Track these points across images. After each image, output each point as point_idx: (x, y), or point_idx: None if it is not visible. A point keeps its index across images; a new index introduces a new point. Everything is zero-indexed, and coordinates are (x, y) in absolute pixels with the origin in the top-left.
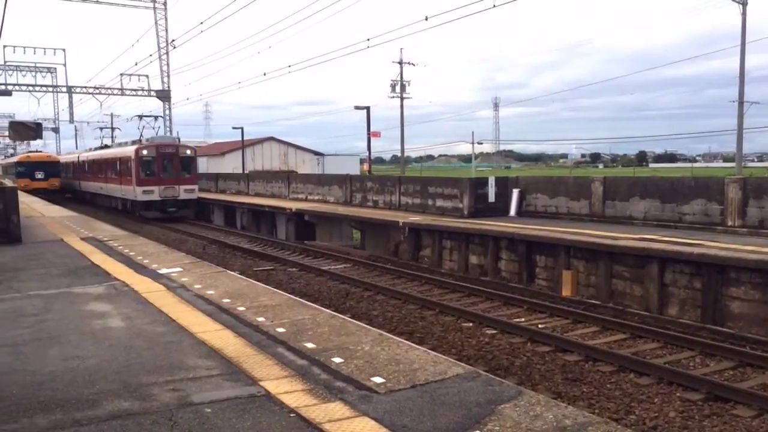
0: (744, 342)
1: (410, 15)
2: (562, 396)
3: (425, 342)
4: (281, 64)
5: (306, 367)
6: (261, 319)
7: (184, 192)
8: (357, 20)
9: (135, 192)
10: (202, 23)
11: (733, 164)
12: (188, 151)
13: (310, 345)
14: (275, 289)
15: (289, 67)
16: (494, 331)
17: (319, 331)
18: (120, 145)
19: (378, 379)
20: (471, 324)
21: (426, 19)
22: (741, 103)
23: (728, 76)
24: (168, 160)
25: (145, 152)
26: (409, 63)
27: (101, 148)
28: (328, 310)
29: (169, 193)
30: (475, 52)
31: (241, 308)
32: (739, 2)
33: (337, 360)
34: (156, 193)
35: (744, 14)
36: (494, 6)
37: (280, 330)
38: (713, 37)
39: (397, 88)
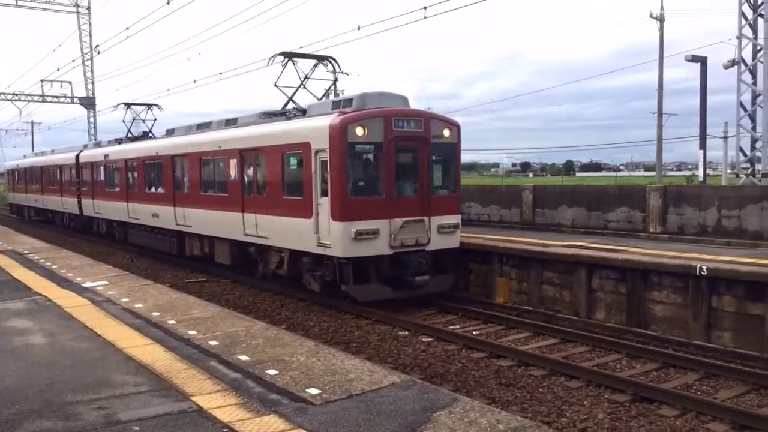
0: (667, 344)
1: (343, 24)
2: (496, 401)
3: (362, 352)
4: (212, 71)
5: (240, 380)
6: (193, 332)
7: (441, 232)
8: (289, 28)
9: (325, 232)
10: (128, 29)
11: (653, 173)
12: (446, 132)
13: (244, 357)
14: (208, 302)
15: (220, 74)
16: (430, 339)
17: (253, 343)
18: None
19: (314, 391)
20: (407, 332)
21: (358, 28)
22: (660, 114)
23: (649, 88)
24: (408, 156)
25: (358, 132)
26: (342, 72)
27: (120, 141)
28: (262, 322)
29: (411, 235)
30: (409, 62)
31: (172, 321)
32: (656, 19)
33: (272, 372)
34: (382, 239)
35: (661, 30)
36: (425, 17)
37: (213, 343)
38: (637, 50)
39: (331, 97)
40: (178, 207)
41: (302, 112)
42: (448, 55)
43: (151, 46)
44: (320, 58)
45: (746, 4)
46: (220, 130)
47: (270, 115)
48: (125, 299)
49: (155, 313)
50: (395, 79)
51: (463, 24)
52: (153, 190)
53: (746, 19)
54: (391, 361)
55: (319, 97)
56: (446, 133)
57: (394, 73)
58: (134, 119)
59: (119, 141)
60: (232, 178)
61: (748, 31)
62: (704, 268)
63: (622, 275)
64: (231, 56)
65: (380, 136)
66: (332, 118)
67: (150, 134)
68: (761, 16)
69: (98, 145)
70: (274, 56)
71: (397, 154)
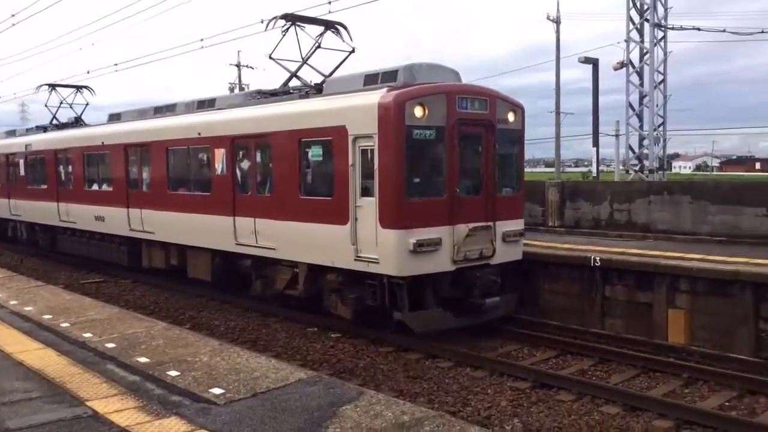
0: (565, 332)
1: (247, 18)
2: (404, 393)
3: (269, 349)
4: (107, 62)
5: (139, 382)
6: (88, 334)
7: (506, 242)
8: (189, 19)
9: (369, 242)
10: (14, 15)
11: (553, 169)
12: (510, 116)
13: (143, 359)
14: (105, 303)
15: (115, 66)
16: (338, 335)
17: (153, 344)
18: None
19: (217, 390)
20: (316, 329)
21: (262, 22)
22: (557, 113)
23: (548, 87)
24: (470, 145)
25: (417, 112)
26: (248, 66)
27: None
28: (164, 322)
29: (476, 246)
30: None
31: (65, 324)
32: (553, 21)
33: (173, 373)
34: (444, 251)
35: (558, 32)
36: (329, 12)
37: (110, 345)
38: (537, 50)
39: (236, 91)
40: (133, 209)
41: (317, 90)
42: (357, 53)
43: (41, 35)
44: (329, 25)
45: (633, 9)
46: (193, 113)
47: (269, 95)
48: (13, 302)
49: (47, 316)
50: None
51: (370, 22)
52: (96, 187)
53: (633, 23)
54: (299, 359)
55: (327, 73)
56: (511, 117)
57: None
58: (61, 103)
59: (44, 129)
60: (219, 172)
61: (635, 35)
62: (597, 259)
63: (524, 266)
64: (128, 47)
65: (442, 119)
66: (382, 94)
67: (81, 121)
68: (647, 20)
69: (12, 134)
70: (275, 19)
71: (459, 143)
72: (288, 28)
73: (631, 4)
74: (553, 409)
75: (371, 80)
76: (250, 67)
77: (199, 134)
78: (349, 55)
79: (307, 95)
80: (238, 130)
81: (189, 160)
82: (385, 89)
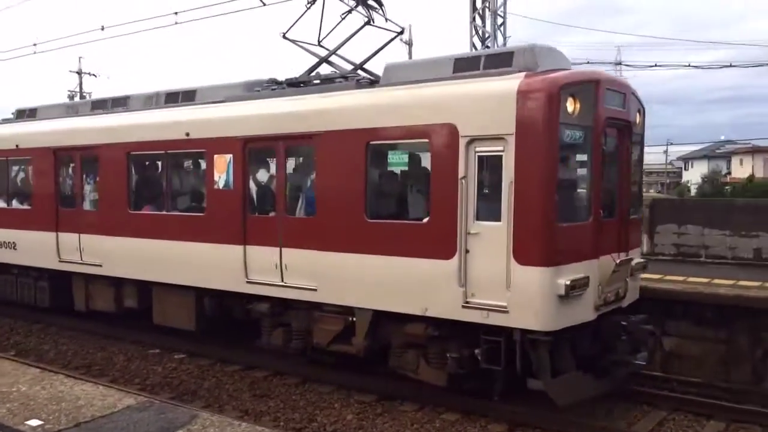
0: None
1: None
2: (249, 413)
3: (105, 374)
4: None
5: None
6: None
7: (632, 277)
8: (22, 22)
9: (493, 284)
10: None
11: None
12: (638, 117)
13: None
14: None
15: None
16: (182, 356)
17: None
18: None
19: (35, 422)
20: (158, 350)
21: (102, 29)
22: None
23: None
24: (609, 152)
25: (569, 107)
26: (89, 74)
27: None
28: None
29: (615, 285)
30: (160, 68)
31: None
32: (406, 43)
33: None
34: (589, 294)
35: (410, 54)
36: (176, 23)
37: None
38: None
39: (76, 99)
40: (65, 233)
41: (369, 82)
42: (197, 62)
43: None
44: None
45: (476, 36)
46: (167, 107)
47: (295, 84)
48: None
49: None
50: (143, 84)
51: (212, 33)
52: (5, 204)
53: (474, 47)
54: (138, 383)
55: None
56: (638, 118)
57: (144, 78)
58: None
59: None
60: (220, 186)
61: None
62: None
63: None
64: None
65: (590, 117)
66: (521, 80)
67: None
68: (487, 47)
69: None
70: None
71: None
72: (314, 1)
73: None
74: (398, 420)
75: (471, 64)
76: (93, 74)
77: (188, 135)
78: (396, 36)
79: (361, 85)
80: (253, 130)
81: (168, 169)
82: (522, 74)
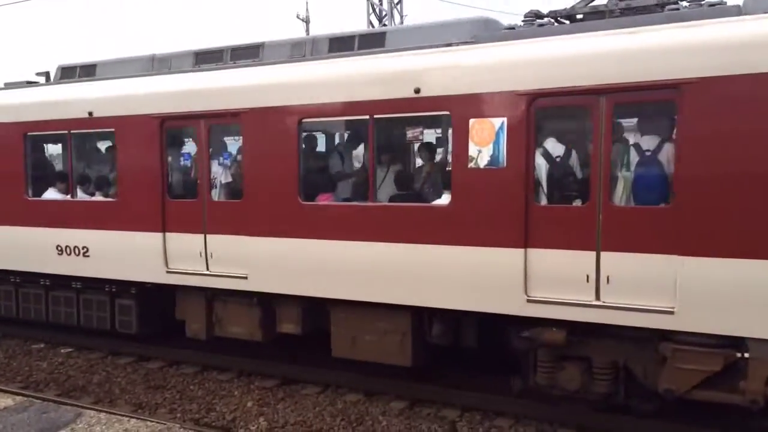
0: None
1: None
2: (144, 406)
3: None
4: None
5: None
6: None
7: None
8: None
9: None
10: None
11: None
12: None
13: None
14: None
15: None
16: (70, 350)
17: None
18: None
19: None
20: (43, 345)
21: None
22: None
23: None
24: None
25: None
26: None
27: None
28: None
29: None
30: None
31: None
32: (303, 20)
33: None
34: None
35: (307, 32)
36: None
37: None
38: None
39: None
40: (177, 233)
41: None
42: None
43: None
44: None
45: (373, 14)
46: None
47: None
48: None
49: None
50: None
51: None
52: (65, 194)
53: (372, 25)
54: (20, 380)
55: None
56: None
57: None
58: None
59: None
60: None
61: None
62: None
63: None
64: None
65: None
66: None
67: None
68: (384, 26)
69: None
70: None
71: None
72: None
73: None
74: (300, 403)
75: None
76: None
77: (352, 99)
78: None
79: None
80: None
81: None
82: None
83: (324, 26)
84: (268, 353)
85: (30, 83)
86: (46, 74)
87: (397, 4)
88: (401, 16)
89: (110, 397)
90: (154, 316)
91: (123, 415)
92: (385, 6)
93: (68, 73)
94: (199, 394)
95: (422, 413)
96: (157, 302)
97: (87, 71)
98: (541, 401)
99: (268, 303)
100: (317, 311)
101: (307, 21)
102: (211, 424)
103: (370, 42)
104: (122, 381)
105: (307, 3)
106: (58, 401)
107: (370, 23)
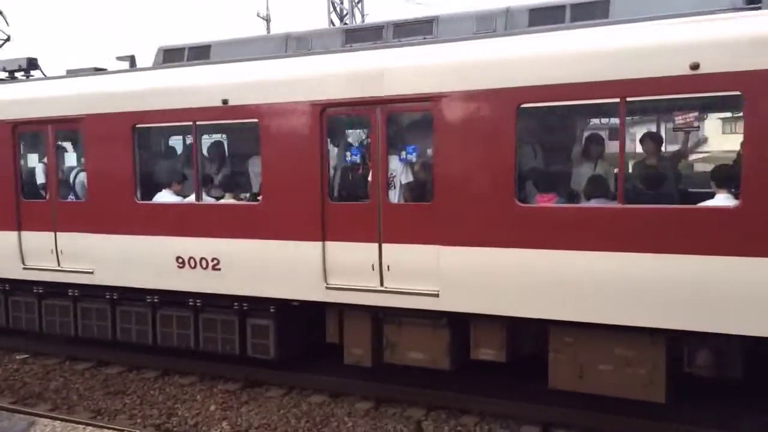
0: None
1: None
2: (102, 412)
3: None
4: None
5: None
6: None
7: None
8: None
9: None
10: None
11: None
12: None
13: None
14: None
15: None
16: (25, 356)
17: None
18: None
19: None
20: None
21: None
22: None
23: None
24: None
25: None
26: None
27: None
28: None
29: None
30: None
31: None
32: (264, 19)
33: None
34: None
35: (268, 30)
36: None
37: None
38: None
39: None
40: (351, 242)
41: None
42: None
43: None
44: None
45: (334, 13)
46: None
47: None
48: None
49: None
50: None
51: None
52: (181, 197)
53: (332, 23)
54: None
55: None
56: None
57: None
58: None
59: None
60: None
61: None
62: None
63: None
64: None
65: None
66: None
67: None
68: (345, 24)
69: None
70: None
71: None
72: None
73: None
74: (264, 406)
75: None
76: None
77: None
78: None
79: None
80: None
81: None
82: None
83: (284, 25)
84: (230, 356)
85: (98, 70)
86: (131, 58)
87: (358, 2)
88: (362, 15)
89: (68, 404)
90: (296, 338)
91: (80, 423)
92: (346, 5)
93: (173, 56)
94: (160, 399)
95: (388, 413)
96: (299, 322)
97: (198, 53)
98: (506, 398)
99: (457, 324)
100: (526, 334)
101: (267, 20)
102: (172, 429)
103: (588, 12)
104: (80, 387)
105: (267, 1)
106: (11, 409)
107: (331, 22)
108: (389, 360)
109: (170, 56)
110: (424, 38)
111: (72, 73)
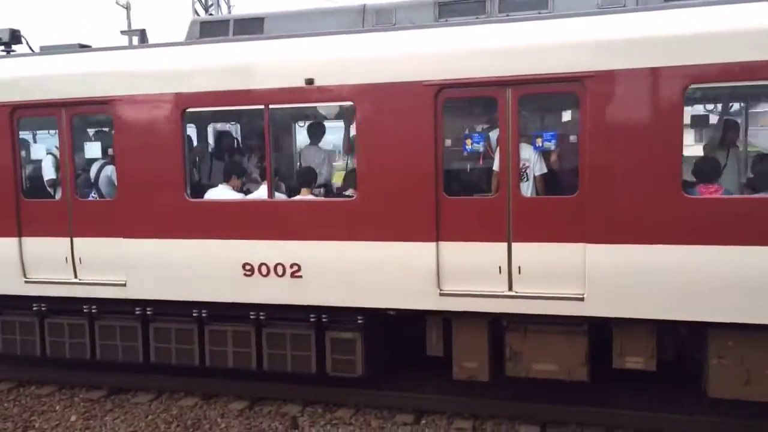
0: None
1: None
2: None
3: None
4: None
5: None
6: None
7: None
8: None
9: None
10: None
11: None
12: None
13: None
14: None
15: None
16: None
17: None
18: None
19: None
20: None
21: None
22: None
23: None
24: None
25: None
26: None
27: None
28: None
29: None
30: None
31: None
32: (124, 7)
33: None
34: None
35: (129, 19)
36: None
37: None
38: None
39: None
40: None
41: None
42: None
43: None
44: None
45: (198, 3)
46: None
47: None
48: None
49: None
50: None
51: None
52: (248, 192)
53: (197, 14)
54: None
55: None
56: None
57: None
58: None
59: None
60: None
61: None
62: None
63: None
64: None
65: None
66: None
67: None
68: (211, 14)
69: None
70: None
71: None
72: None
73: None
74: (131, 413)
75: None
76: None
77: None
78: None
79: None
80: None
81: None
82: None
83: (145, 14)
84: (92, 363)
85: (83, 47)
86: (141, 32)
87: None
88: (228, 6)
89: None
90: (383, 352)
91: None
92: None
93: (214, 30)
94: (15, 411)
95: (263, 411)
96: (387, 334)
97: (247, 26)
98: (381, 389)
99: (593, 330)
100: (677, 338)
101: (128, 8)
102: None
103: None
104: None
105: None
106: None
107: (196, 12)
108: (511, 373)
109: (209, 30)
110: (539, 13)
111: (83, 49)
